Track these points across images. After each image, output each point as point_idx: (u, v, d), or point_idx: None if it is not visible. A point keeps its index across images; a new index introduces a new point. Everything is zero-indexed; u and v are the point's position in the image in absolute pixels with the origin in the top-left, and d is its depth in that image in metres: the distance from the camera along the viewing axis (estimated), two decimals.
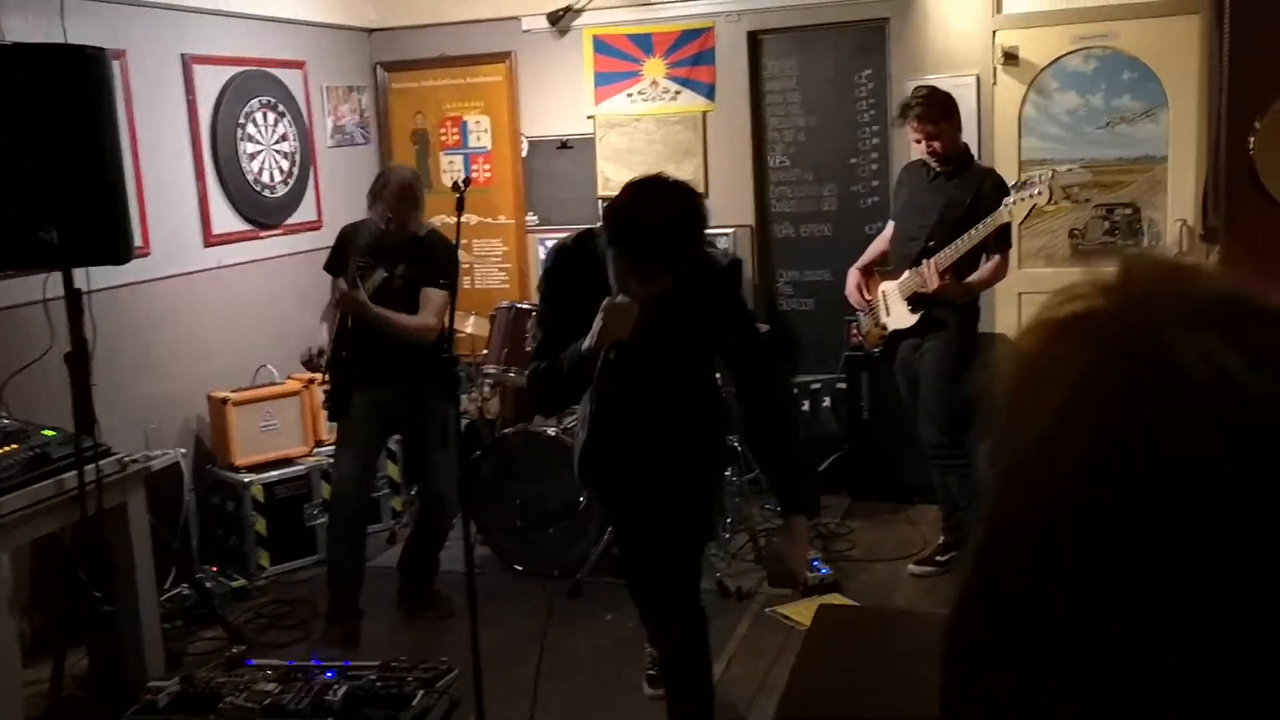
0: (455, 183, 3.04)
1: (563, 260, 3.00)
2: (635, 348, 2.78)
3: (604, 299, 2.73)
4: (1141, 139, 5.42)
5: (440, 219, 6.46)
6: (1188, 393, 0.46)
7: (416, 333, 4.18)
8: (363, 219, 4.38)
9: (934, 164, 4.28)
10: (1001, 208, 4.05)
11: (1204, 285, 0.51)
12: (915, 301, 4.29)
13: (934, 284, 4.11)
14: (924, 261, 4.16)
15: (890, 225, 4.62)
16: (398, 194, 4.19)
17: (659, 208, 2.66)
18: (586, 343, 2.74)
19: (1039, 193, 3.98)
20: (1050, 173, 4.05)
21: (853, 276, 4.62)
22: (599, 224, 2.84)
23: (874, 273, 4.61)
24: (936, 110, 4.20)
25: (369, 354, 4.15)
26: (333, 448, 4.60)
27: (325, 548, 4.75)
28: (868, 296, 4.58)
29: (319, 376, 4.37)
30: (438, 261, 4.17)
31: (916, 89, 4.45)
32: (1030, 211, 4.04)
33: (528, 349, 4.82)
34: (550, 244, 6.33)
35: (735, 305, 3.03)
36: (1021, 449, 0.50)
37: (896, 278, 4.41)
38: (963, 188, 4.21)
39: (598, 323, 2.71)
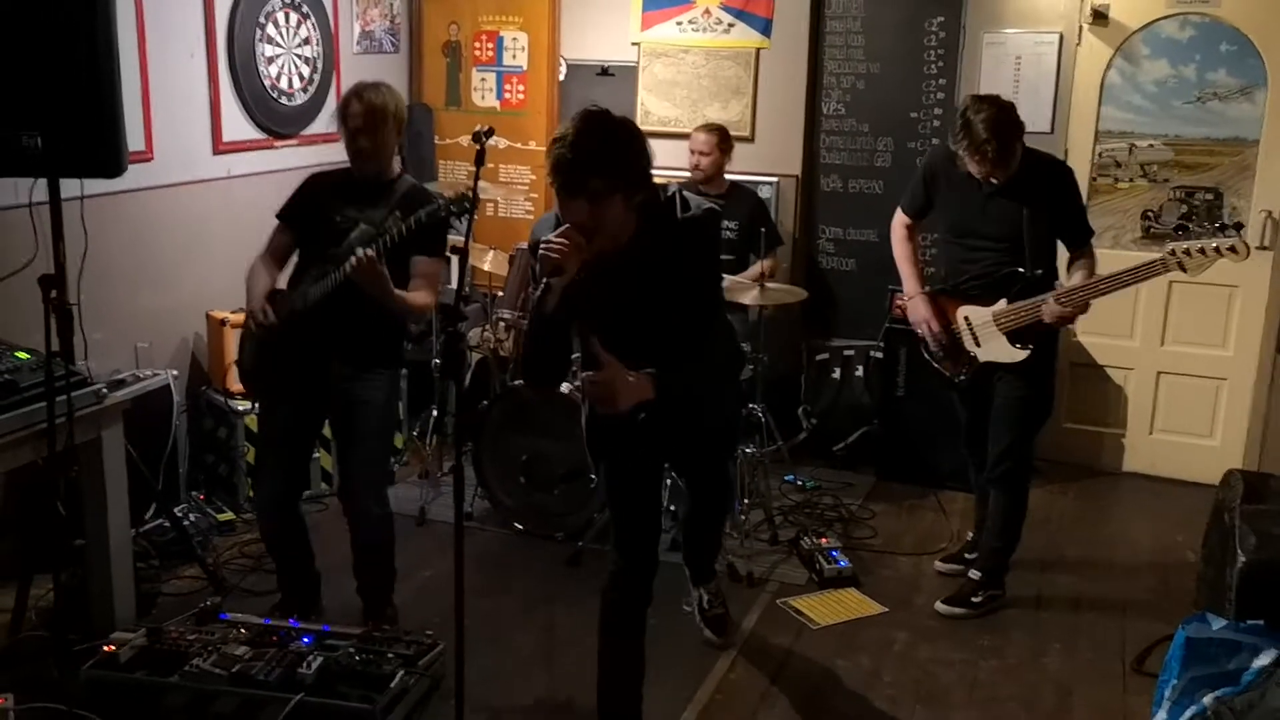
0: (476, 131, 2.65)
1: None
2: (611, 322, 2.73)
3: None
4: (1233, 118, 4.97)
5: (463, 170, 6.12)
6: None
7: (419, 313, 3.64)
8: (334, 169, 3.75)
9: (984, 178, 3.73)
10: (1170, 257, 3.51)
11: None
12: (1019, 335, 3.79)
13: (1057, 320, 3.68)
14: (1050, 298, 3.68)
15: (900, 214, 4.11)
16: (369, 114, 3.46)
17: (569, 128, 2.54)
18: (536, 291, 2.65)
19: (1231, 248, 3.42)
20: (1241, 227, 3.57)
21: (924, 304, 4.00)
22: None
23: (926, 289, 4.08)
24: (1010, 147, 3.62)
25: (327, 322, 3.48)
26: None
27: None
28: (951, 324, 3.97)
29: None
30: (432, 228, 3.47)
31: (977, 106, 3.64)
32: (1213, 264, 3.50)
33: None
34: None
35: (691, 267, 2.77)
36: None
37: (979, 302, 3.87)
38: (1035, 200, 3.70)
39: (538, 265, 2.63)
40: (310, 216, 3.62)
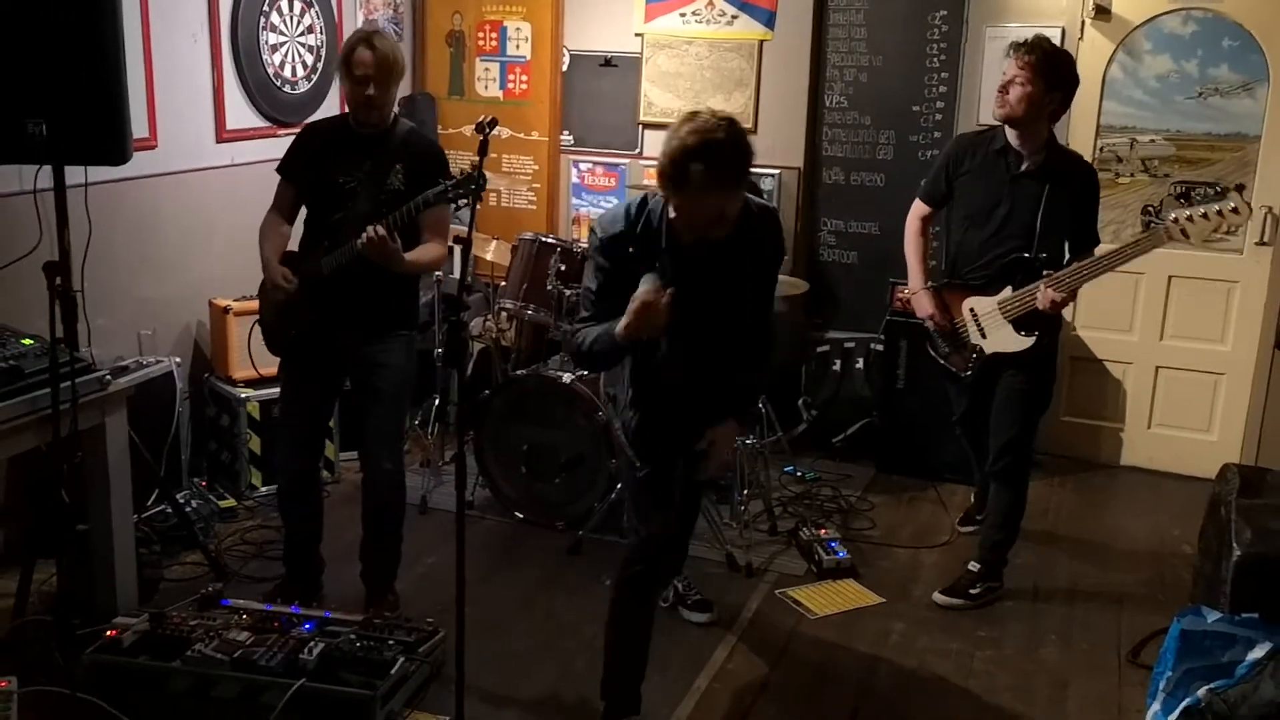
0: (480, 122, 2.66)
1: (622, 230, 2.80)
2: (694, 309, 2.73)
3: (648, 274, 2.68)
4: (1235, 114, 4.97)
5: (467, 160, 6.13)
6: None
7: (433, 268, 3.72)
8: (329, 118, 3.83)
9: (1000, 117, 3.73)
10: (1163, 224, 3.46)
11: None
12: (1024, 323, 3.81)
13: (1050, 305, 3.66)
14: (1041, 285, 3.68)
15: (919, 204, 4.12)
16: (381, 64, 3.41)
17: (720, 130, 2.54)
18: (618, 329, 2.66)
19: (1233, 209, 3.36)
20: (1242, 187, 3.50)
21: (928, 299, 4.03)
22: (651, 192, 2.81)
23: (930, 283, 4.08)
24: (1053, 69, 3.63)
25: (343, 292, 3.53)
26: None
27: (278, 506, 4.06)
28: (955, 318, 3.99)
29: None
30: (437, 170, 3.49)
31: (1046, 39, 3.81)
32: (1216, 230, 3.41)
33: (549, 287, 4.50)
34: (587, 170, 6.00)
35: (772, 260, 2.97)
36: None
37: (984, 292, 3.87)
38: (1056, 187, 3.72)
39: (629, 314, 2.62)
40: (310, 173, 3.62)
